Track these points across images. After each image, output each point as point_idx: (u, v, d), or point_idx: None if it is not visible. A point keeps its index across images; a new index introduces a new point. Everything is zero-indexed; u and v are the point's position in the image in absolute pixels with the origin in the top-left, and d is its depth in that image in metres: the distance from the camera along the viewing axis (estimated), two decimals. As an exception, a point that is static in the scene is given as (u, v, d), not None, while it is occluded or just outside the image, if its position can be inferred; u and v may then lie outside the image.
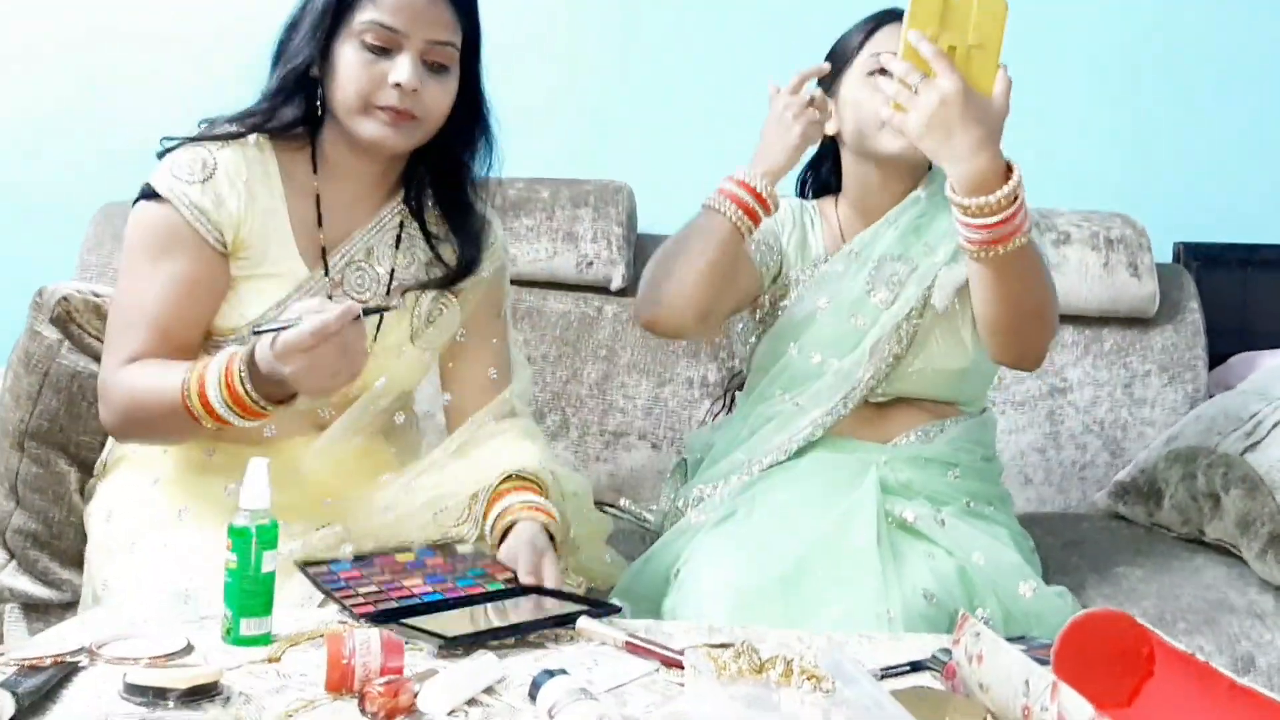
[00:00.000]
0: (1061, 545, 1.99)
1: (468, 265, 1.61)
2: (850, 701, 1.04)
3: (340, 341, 1.28)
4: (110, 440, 1.65)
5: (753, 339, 1.84)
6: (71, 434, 1.68)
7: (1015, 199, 1.45)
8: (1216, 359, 2.47)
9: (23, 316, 1.69)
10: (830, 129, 1.73)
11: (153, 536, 1.48)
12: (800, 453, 1.73)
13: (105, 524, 1.55)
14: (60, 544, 1.69)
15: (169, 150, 1.52)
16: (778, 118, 1.65)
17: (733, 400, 1.96)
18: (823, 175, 1.88)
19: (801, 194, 1.90)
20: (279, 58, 1.53)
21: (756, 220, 1.64)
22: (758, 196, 1.63)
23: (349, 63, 1.47)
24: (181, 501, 1.50)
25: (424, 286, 1.59)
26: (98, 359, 1.67)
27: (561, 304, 2.26)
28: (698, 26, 2.68)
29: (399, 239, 1.60)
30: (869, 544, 1.55)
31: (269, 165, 1.53)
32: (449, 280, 1.60)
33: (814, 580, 1.51)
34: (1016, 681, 1.00)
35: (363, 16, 1.46)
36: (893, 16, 1.69)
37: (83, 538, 1.62)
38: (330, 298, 1.51)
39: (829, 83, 1.73)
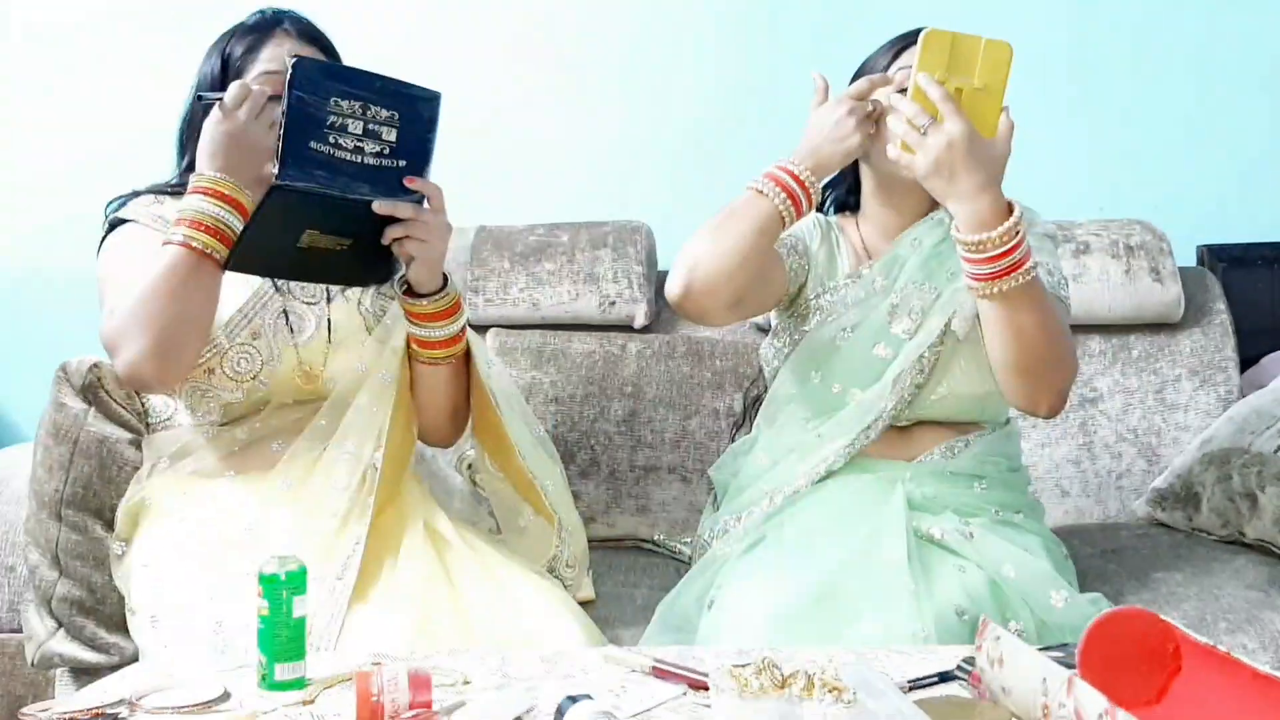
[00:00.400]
0: (1099, 554, 1.98)
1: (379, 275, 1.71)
2: (874, 712, 1.05)
3: (249, 107, 1.52)
4: (128, 490, 1.70)
5: (775, 363, 1.85)
6: (105, 498, 1.72)
7: (1016, 233, 1.51)
8: (1248, 361, 2.45)
9: (35, 395, 1.77)
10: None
11: (185, 571, 1.57)
12: (824, 479, 1.73)
13: (141, 570, 1.62)
14: (105, 609, 1.72)
15: (117, 204, 1.71)
16: (838, 120, 1.63)
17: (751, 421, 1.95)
18: (841, 195, 1.88)
19: (821, 211, 1.89)
20: (186, 138, 1.71)
21: (799, 211, 1.64)
22: (804, 188, 1.63)
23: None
24: (209, 535, 1.59)
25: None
26: (124, 426, 1.75)
27: (586, 344, 2.28)
28: (707, 61, 2.72)
29: None
30: (899, 561, 1.55)
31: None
32: (361, 284, 1.72)
33: (846, 599, 1.51)
34: (1035, 681, 1.00)
35: (254, 72, 1.63)
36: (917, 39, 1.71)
37: (124, 600, 1.67)
38: (285, 311, 1.67)
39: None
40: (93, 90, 2.68)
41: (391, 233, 1.55)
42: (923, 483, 1.70)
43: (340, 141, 1.49)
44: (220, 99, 1.53)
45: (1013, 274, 1.52)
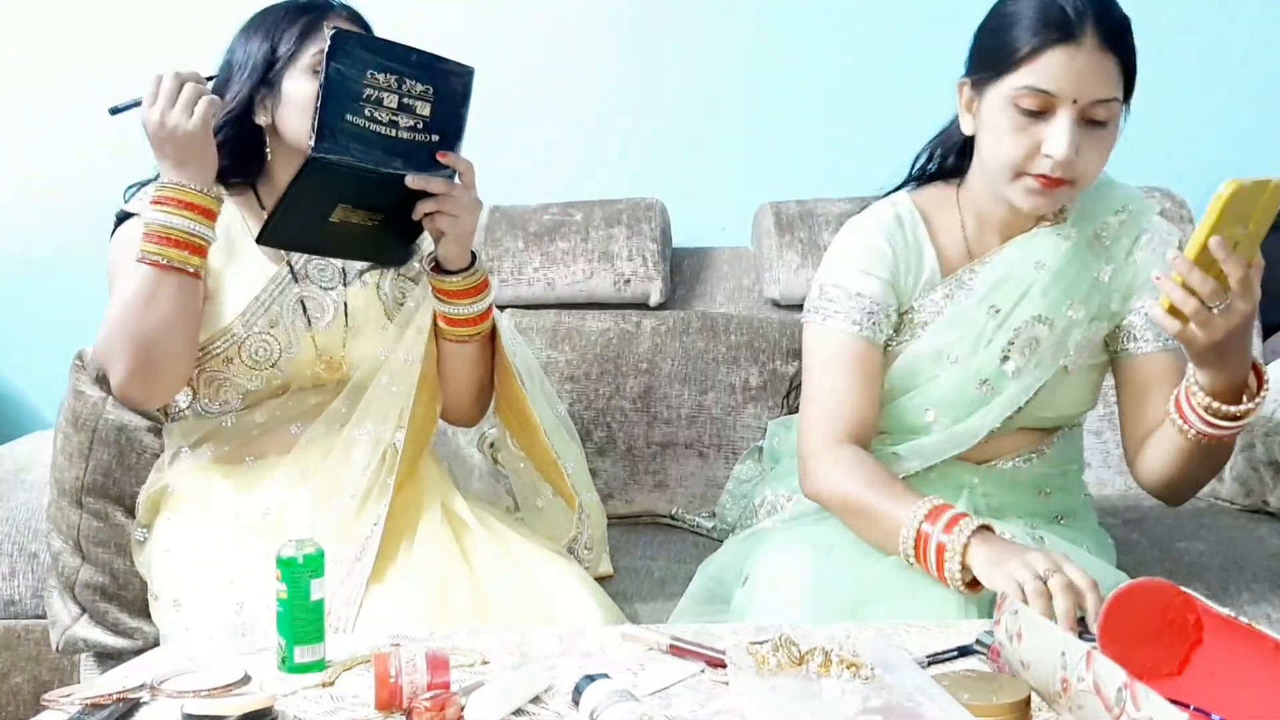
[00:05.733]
0: (1122, 524, 1.97)
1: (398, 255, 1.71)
2: (891, 687, 1.05)
3: (162, 102, 1.48)
4: (149, 477, 1.71)
5: None
6: (125, 485, 1.73)
7: (1256, 407, 1.40)
8: (1270, 328, 2.42)
9: (56, 382, 1.77)
10: (968, 129, 1.54)
11: (207, 556, 1.58)
12: None
13: (163, 555, 1.63)
14: (127, 595, 1.74)
15: (134, 190, 1.67)
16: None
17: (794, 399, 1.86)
18: (950, 161, 1.65)
19: (923, 171, 1.67)
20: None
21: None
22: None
23: (300, 89, 1.59)
24: (228, 518, 1.60)
25: (373, 266, 1.71)
26: (142, 413, 1.75)
27: (601, 323, 2.28)
28: (720, 37, 2.70)
29: None
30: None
31: (222, 197, 1.61)
32: (386, 262, 1.71)
33: (894, 600, 1.42)
34: (1054, 655, 0.99)
35: (306, 55, 1.60)
36: (1066, 37, 1.43)
37: (146, 585, 1.68)
38: (302, 299, 1.65)
39: (978, 76, 1.51)
40: (112, 77, 2.67)
41: (423, 207, 1.54)
42: (990, 491, 1.60)
43: (375, 115, 1.47)
44: (138, 104, 1.51)
45: (1238, 435, 1.44)
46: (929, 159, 1.68)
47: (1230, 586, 1.71)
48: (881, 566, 1.47)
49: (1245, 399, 1.40)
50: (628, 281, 2.35)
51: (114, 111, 1.55)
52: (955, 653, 1.23)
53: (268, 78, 1.60)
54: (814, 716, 1.00)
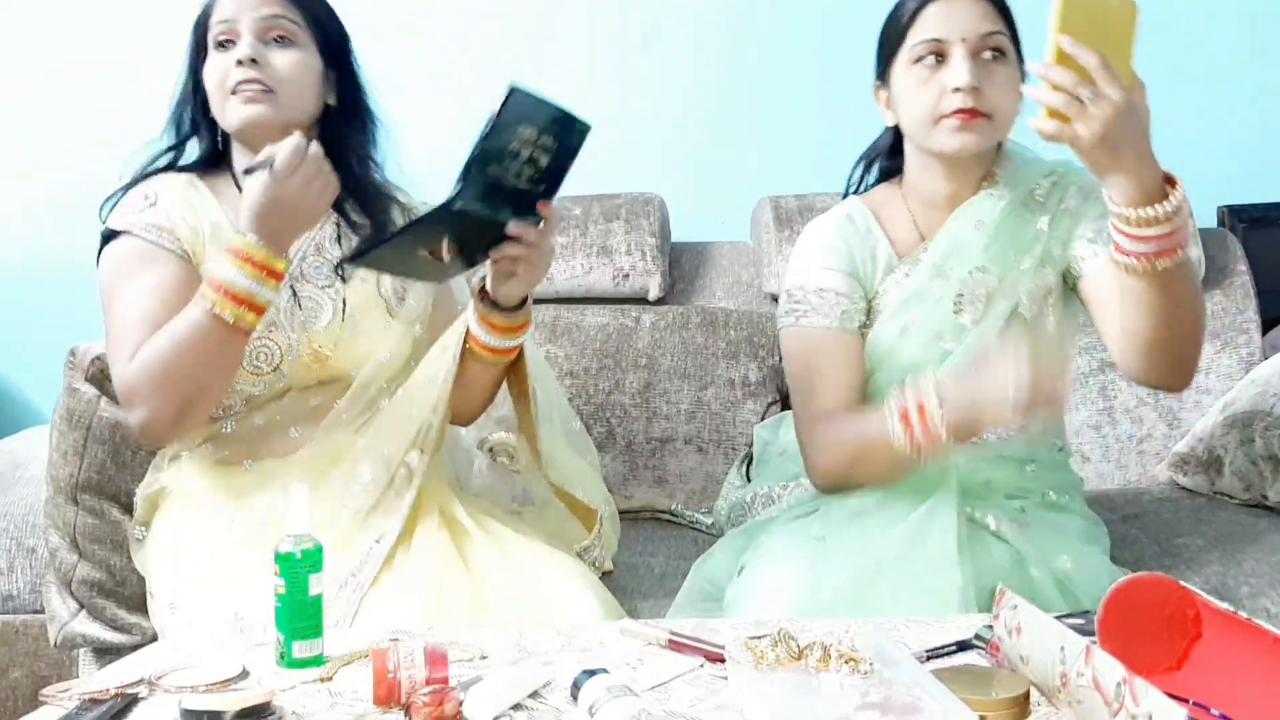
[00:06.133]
0: (1121, 519, 1.97)
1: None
2: (890, 682, 1.05)
3: (304, 173, 1.44)
4: (146, 477, 1.69)
5: None
6: (120, 483, 1.73)
7: (1179, 208, 1.39)
8: (1270, 322, 2.42)
9: (55, 378, 1.77)
10: (890, 120, 1.66)
11: (203, 560, 1.56)
12: None
13: (160, 556, 1.62)
14: (124, 590, 1.74)
15: (111, 204, 1.64)
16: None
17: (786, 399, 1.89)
18: (884, 165, 1.76)
19: (861, 179, 1.78)
20: (179, 117, 1.67)
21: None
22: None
23: (208, 69, 1.60)
24: (226, 524, 1.57)
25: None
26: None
27: (600, 317, 2.28)
28: (719, 32, 2.69)
29: (339, 234, 1.69)
30: (949, 551, 1.48)
31: (201, 191, 1.63)
32: (436, 281, 1.68)
33: (889, 586, 1.44)
34: (1053, 649, 0.99)
35: (213, 19, 1.60)
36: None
37: (144, 582, 1.68)
38: (294, 291, 1.62)
39: (882, 69, 1.65)
40: (110, 79, 2.68)
41: (509, 252, 1.49)
42: (976, 467, 1.62)
43: (509, 167, 1.42)
44: (270, 166, 1.45)
45: (1176, 252, 1.40)
46: (865, 170, 1.77)
47: (1229, 581, 1.71)
48: (879, 558, 1.48)
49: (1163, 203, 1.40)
50: (626, 276, 2.35)
51: (248, 172, 1.49)
52: (954, 647, 1.23)
53: (197, 63, 1.61)
54: (812, 711, 1.00)
